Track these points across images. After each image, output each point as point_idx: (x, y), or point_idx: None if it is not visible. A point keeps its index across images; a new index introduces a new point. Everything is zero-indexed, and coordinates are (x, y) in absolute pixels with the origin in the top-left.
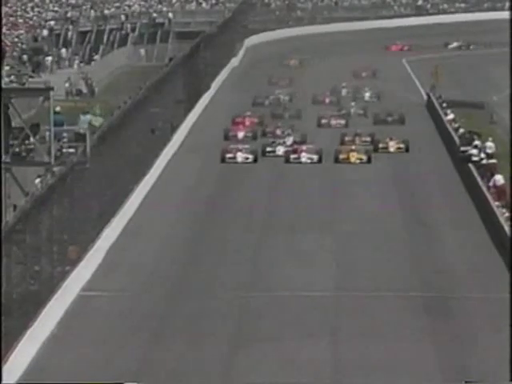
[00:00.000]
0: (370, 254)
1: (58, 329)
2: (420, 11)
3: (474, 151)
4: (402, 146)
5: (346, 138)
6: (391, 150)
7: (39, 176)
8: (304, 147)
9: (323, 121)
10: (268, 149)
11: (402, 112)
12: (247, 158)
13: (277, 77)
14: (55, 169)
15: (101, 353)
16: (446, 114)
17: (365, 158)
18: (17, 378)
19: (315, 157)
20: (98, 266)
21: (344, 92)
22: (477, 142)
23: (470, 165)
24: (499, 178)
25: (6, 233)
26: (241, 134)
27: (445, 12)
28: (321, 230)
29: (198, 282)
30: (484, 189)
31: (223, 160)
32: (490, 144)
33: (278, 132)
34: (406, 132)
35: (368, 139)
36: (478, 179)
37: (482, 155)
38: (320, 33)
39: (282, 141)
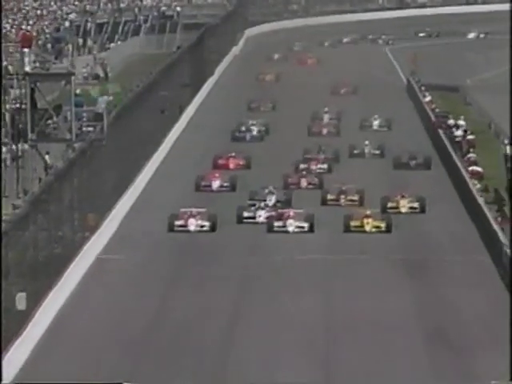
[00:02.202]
0: None
1: (80, 286)
2: (401, 5)
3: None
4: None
5: (329, 197)
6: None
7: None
8: (291, 212)
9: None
10: (246, 214)
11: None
12: (202, 226)
13: (257, 101)
14: (76, 145)
15: (119, 305)
16: (424, 96)
17: (383, 225)
18: (46, 326)
19: (305, 225)
20: (113, 232)
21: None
22: (451, 121)
23: (445, 139)
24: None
25: (32, 202)
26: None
27: (424, 6)
28: None
29: (205, 249)
30: (457, 160)
31: (171, 228)
32: (461, 122)
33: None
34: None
35: (355, 198)
36: (452, 152)
37: (460, 132)
38: (312, 24)
39: (262, 204)
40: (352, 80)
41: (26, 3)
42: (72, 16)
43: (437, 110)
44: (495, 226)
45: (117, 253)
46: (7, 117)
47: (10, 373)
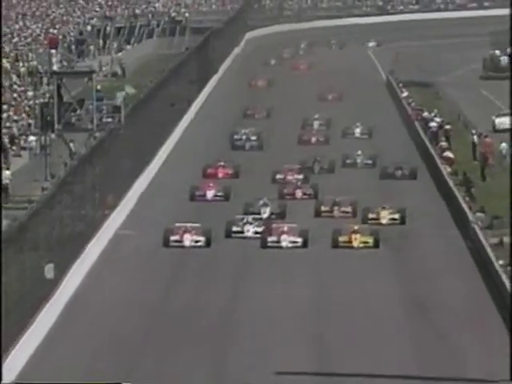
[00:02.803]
0: None
1: (101, 257)
2: (383, 11)
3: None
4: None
5: (323, 208)
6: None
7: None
8: (285, 227)
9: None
10: (234, 228)
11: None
12: (197, 242)
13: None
14: (96, 134)
15: (136, 273)
16: (401, 92)
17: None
18: (71, 293)
19: (299, 240)
20: (130, 210)
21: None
22: (426, 113)
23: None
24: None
25: (58, 184)
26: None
27: (402, 12)
28: None
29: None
30: (430, 146)
31: (166, 243)
32: (437, 119)
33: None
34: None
35: (349, 209)
36: (427, 142)
37: (435, 124)
38: (304, 28)
39: (250, 219)
40: (341, 77)
41: (54, 10)
42: (93, 21)
43: (413, 104)
44: (464, 205)
45: (133, 229)
46: (37, 109)
47: (41, 333)
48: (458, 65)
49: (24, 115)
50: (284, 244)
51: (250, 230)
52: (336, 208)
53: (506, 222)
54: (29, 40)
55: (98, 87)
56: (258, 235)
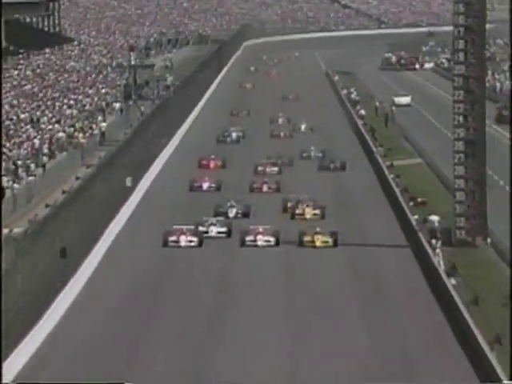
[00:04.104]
0: None
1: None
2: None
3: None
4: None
5: (289, 204)
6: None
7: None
8: (260, 228)
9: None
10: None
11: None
12: (191, 242)
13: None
14: (156, 101)
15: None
16: (334, 77)
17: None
18: (141, 196)
19: (272, 239)
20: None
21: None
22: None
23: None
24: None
25: (134, 130)
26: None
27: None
28: None
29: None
30: (353, 112)
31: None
32: (352, 90)
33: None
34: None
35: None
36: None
37: (354, 96)
38: (277, 40)
39: (214, 220)
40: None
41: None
42: (155, 35)
43: (341, 84)
44: (370, 142)
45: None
46: (122, 87)
47: (125, 215)
48: (366, 62)
49: (114, 91)
50: (259, 243)
51: (214, 231)
52: (300, 205)
53: (394, 152)
54: (117, 46)
55: (157, 74)
56: (221, 235)
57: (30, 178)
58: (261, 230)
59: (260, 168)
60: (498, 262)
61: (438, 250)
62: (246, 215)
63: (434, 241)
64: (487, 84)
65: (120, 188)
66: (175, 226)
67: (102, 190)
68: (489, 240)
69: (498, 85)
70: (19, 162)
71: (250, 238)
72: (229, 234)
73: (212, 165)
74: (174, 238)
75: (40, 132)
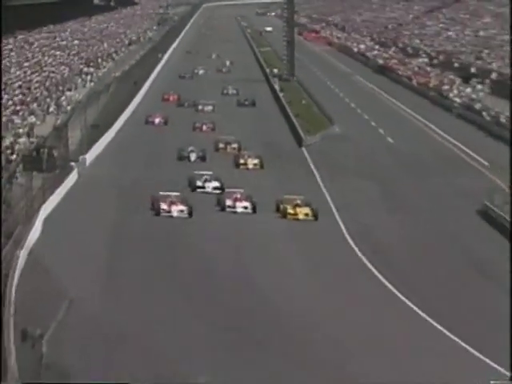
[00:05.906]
0: None
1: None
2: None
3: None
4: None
5: (220, 145)
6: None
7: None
8: (238, 194)
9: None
10: (198, 183)
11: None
12: (182, 211)
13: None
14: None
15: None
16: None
17: (310, 212)
18: (169, 66)
19: (248, 204)
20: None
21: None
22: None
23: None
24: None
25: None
26: (157, 120)
27: None
28: None
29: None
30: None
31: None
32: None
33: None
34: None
35: (235, 146)
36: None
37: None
38: (229, 4)
39: (208, 177)
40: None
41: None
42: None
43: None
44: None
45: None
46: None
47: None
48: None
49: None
50: (239, 210)
51: (210, 186)
52: (228, 146)
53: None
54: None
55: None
56: (216, 190)
57: None
58: (238, 195)
59: (200, 107)
60: None
61: None
62: (203, 159)
63: None
64: None
65: (155, 60)
66: (161, 193)
67: None
68: None
69: None
70: None
71: (229, 203)
72: (222, 189)
73: (171, 98)
74: (165, 206)
75: None
